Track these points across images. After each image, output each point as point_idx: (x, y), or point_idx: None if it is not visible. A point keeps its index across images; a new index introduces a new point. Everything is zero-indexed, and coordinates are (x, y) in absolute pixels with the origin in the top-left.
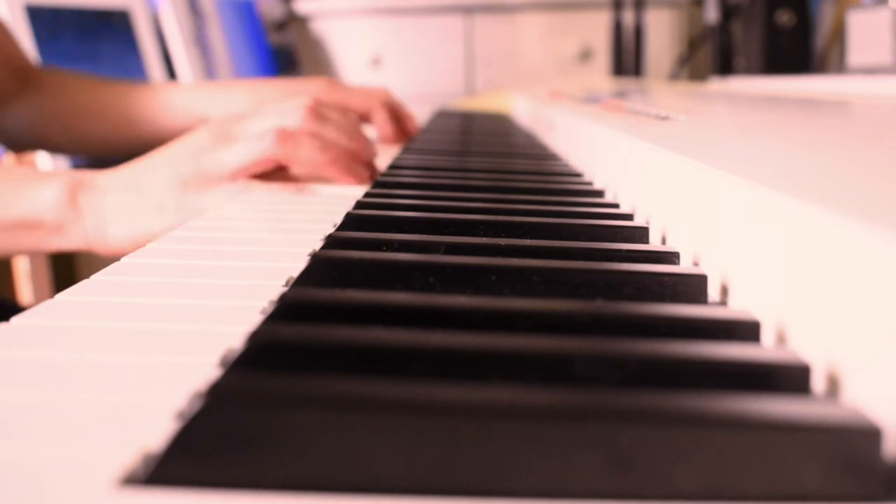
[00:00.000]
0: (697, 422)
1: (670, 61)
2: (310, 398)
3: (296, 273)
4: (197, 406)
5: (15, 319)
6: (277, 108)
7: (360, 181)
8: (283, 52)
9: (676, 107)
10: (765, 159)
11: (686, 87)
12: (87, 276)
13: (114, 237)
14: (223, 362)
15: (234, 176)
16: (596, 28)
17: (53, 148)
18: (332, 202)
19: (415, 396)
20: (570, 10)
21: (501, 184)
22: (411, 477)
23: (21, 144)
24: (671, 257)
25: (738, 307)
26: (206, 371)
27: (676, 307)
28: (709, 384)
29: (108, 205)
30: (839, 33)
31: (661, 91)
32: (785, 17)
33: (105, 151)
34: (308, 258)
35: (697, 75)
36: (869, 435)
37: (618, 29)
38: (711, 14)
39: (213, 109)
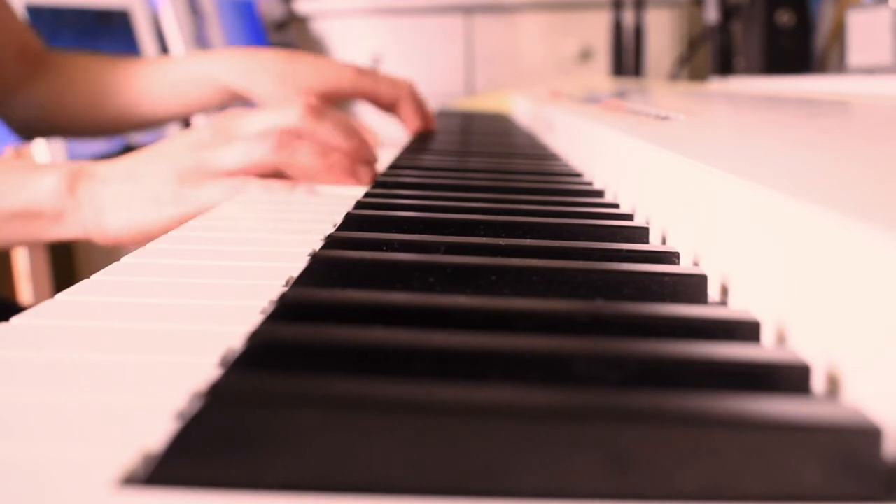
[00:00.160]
0: (697, 422)
1: (670, 61)
2: (310, 398)
3: (296, 273)
4: (197, 406)
5: (15, 319)
6: (277, 107)
7: (360, 182)
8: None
9: (676, 107)
10: (765, 159)
11: (686, 87)
12: (88, 276)
13: (111, 226)
14: (223, 362)
15: (231, 174)
16: (596, 28)
17: (67, 132)
18: (332, 202)
19: (415, 396)
20: (570, 10)
21: (501, 184)
22: (411, 477)
23: (33, 131)
24: (671, 257)
25: (738, 307)
26: (206, 371)
27: (676, 307)
28: (709, 384)
29: (107, 194)
30: (839, 33)
31: (661, 91)
32: (785, 17)
33: (125, 128)
34: (308, 258)
35: (697, 75)
36: (869, 435)
37: (618, 29)
38: (711, 14)
39: (238, 79)
